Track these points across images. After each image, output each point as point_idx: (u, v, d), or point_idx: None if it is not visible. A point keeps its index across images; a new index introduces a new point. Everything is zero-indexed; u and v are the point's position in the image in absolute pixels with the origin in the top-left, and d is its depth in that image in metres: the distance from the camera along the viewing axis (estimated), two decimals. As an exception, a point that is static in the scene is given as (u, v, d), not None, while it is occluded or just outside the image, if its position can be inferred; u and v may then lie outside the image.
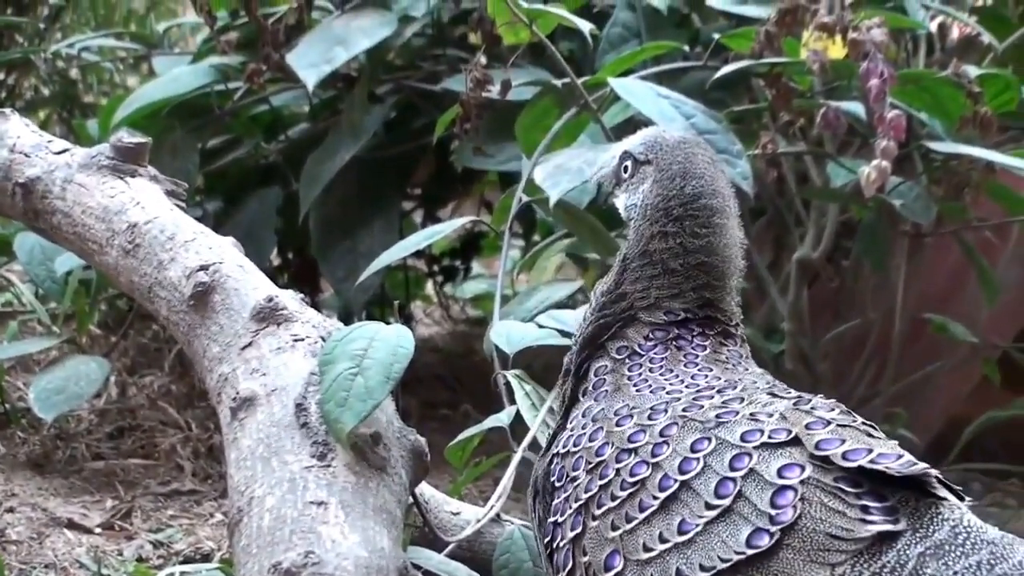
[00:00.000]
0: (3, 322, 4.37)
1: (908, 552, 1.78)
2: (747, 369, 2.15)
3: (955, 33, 3.66)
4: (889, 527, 1.79)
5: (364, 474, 2.12)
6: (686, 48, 3.50)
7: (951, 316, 3.71)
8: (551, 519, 2.07)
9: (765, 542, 1.82)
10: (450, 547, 2.51)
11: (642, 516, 1.92)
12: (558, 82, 3.26)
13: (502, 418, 2.54)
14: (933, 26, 3.60)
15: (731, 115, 3.30)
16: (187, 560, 3.07)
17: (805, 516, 1.82)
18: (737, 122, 3.34)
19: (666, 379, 2.09)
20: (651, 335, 2.16)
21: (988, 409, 3.79)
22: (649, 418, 2.00)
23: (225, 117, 4.10)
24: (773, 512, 1.83)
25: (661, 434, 1.96)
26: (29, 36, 4.96)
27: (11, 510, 3.26)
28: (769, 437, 1.89)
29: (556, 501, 2.07)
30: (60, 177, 2.72)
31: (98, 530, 3.24)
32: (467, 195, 4.84)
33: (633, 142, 2.27)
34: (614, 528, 1.95)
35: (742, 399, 1.99)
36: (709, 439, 1.92)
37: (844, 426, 1.92)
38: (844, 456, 1.84)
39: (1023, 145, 3.39)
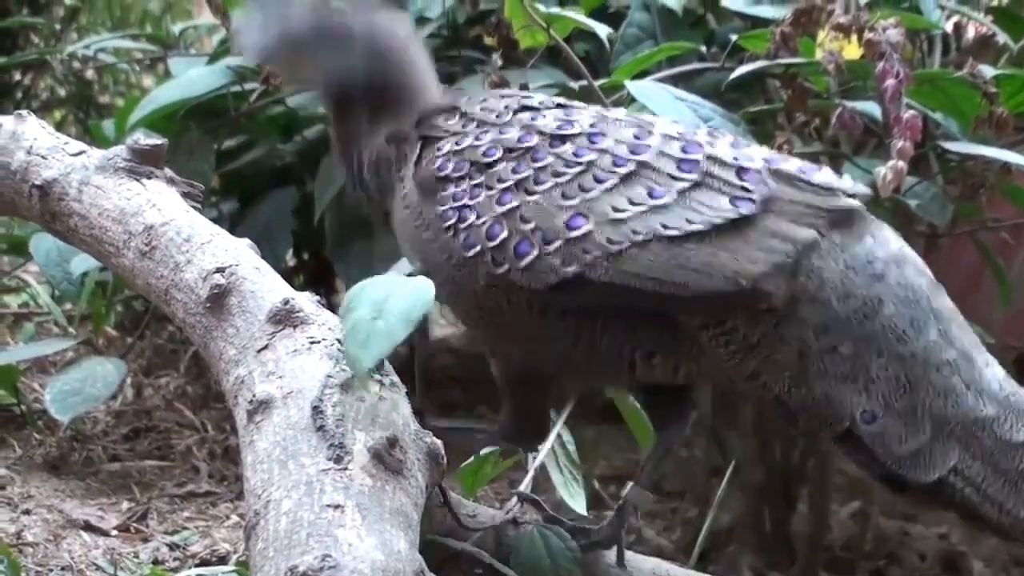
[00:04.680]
0: (19, 323, 4.39)
1: (862, 227, 1.97)
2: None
3: (970, 33, 3.65)
4: (855, 203, 1.96)
5: (380, 477, 2.12)
6: (702, 49, 3.50)
7: (966, 316, 3.68)
8: (447, 207, 2.06)
9: (751, 208, 1.89)
10: (474, 538, 2.51)
11: (601, 187, 1.92)
12: (575, 84, 3.26)
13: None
14: (949, 26, 3.59)
15: (747, 116, 3.29)
16: (203, 562, 3.06)
17: (780, 192, 1.92)
18: (753, 123, 3.33)
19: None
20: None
21: (1005, 410, 3.78)
22: (563, 125, 2.00)
23: (241, 118, 4.09)
24: (749, 185, 1.91)
25: (592, 127, 1.98)
26: (45, 37, 4.97)
27: (27, 512, 3.26)
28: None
29: (455, 189, 2.06)
30: (77, 179, 2.72)
31: (114, 532, 3.23)
32: (482, 196, 4.84)
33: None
34: (566, 197, 1.94)
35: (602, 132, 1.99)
36: (650, 132, 1.96)
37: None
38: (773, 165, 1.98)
39: (1040, 146, 3.39)
